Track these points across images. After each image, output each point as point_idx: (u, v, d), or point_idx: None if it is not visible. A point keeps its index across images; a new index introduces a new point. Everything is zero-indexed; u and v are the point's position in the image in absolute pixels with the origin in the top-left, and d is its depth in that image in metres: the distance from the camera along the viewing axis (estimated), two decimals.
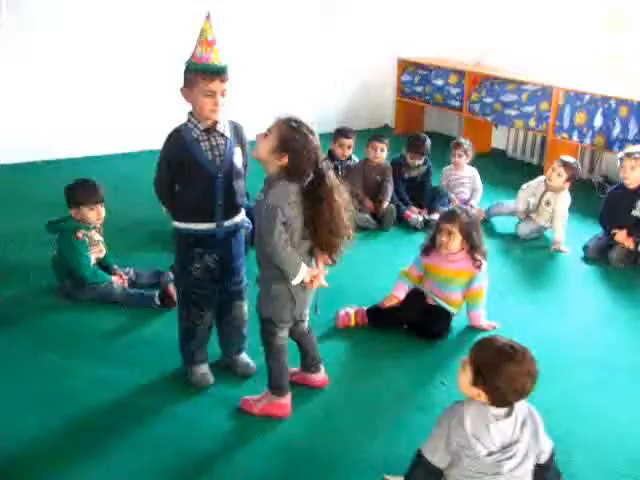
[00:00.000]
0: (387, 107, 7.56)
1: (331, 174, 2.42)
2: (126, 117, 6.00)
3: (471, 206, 4.90)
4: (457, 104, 6.66)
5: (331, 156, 4.95)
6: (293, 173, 2.37)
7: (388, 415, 2.73)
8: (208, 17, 2.54)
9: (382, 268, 4.01)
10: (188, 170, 2.56)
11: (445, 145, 5.44)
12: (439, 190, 5.02)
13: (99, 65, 5.83)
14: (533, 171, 5.82)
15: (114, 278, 3.55)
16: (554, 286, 4.14)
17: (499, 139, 6.86)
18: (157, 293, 3.47)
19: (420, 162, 4.93)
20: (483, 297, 3.37)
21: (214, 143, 2.57)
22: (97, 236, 3.59)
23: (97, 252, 3.58)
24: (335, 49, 7.01)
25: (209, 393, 2.81)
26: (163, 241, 4.00)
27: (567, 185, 4.40)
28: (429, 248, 3.36)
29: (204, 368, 2.85)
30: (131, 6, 5.85)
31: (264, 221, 2.37)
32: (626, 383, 3.02)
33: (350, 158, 4.98)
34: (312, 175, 2.38)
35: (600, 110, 5.44)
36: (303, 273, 2.43)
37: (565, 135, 5.74)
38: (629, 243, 4.27)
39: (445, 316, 3.32)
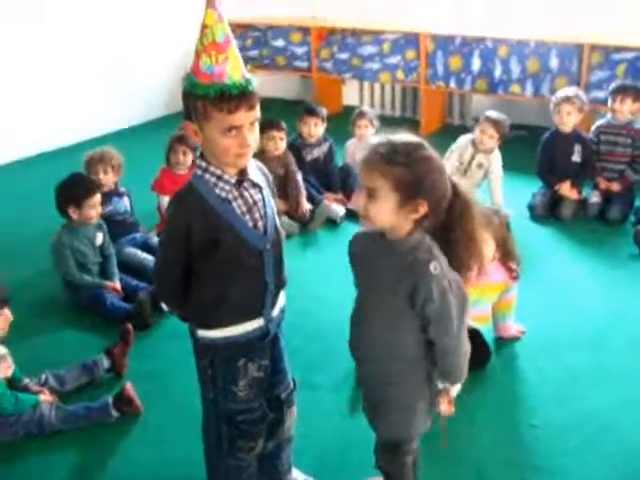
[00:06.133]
0: None
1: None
2: None
3: None
4: (305, 65, 5.96)
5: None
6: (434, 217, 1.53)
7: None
8: (211, 1, 1.50)
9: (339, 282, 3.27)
10: (221, 249, 1.59)
11: (291, 112, 4.55)
12: (348, 168, 4.36)
13: None
14: (416, 126, 5.39)
15: (42, 397, 2.43)
16: None
17: (350, 96, 6.33)
18: (111, 399, 2.45)
19: (322, 128, 4.24)
20: (514, 306, 2.83)
21: (250, 200, 1.64)
22: (1, 349, 2.41)
23: (5, 370, 2.37)
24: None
25: None
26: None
27: (498, 144, 3.97)
28: None
29: None
30: None
31: (450, 304, 1.52)
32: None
33: None
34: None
35: (477, 52, 5.11)
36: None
37: (441, 83, 5.33)
38: (573, 195, 4.01)
39: (479, 339, 2.65)
